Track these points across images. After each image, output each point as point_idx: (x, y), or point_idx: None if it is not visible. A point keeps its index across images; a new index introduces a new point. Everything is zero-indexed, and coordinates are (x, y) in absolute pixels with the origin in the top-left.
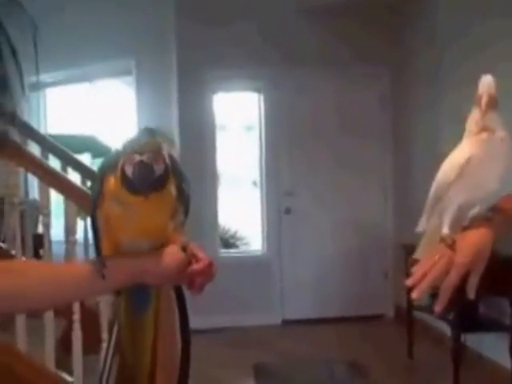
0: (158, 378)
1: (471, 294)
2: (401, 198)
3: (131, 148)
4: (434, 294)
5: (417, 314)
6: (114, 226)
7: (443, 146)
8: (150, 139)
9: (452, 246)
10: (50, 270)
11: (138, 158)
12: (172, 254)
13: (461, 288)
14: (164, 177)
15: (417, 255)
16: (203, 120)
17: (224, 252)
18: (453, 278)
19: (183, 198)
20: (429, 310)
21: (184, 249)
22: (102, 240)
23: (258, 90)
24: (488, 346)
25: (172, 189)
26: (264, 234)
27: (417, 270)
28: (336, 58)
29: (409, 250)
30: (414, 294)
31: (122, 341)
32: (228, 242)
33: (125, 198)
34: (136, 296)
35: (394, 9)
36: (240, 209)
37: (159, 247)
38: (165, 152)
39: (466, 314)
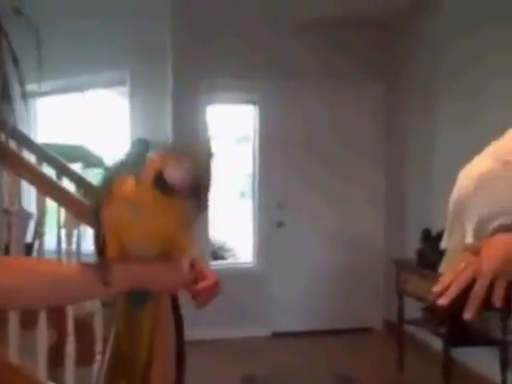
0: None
1: (498, 302)
2: (393, 214)
3: (179, 151)
4: (425, 308)
5: (406, 327)
6: (122, 228)
7: (436, 161)
8: (196, 145)
9: (477, 252)
10: (52, 270)
11: (187, 162)
12: (179, 270)
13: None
14: (202, 185)
15: (441, 269)
16: (197, 131)
17: (214, 264)
18: (481, 286)
19: (202, 209)
20: (419, 323)
21: (192, 265)
22: (106, 240)
23: (253, 102)
24: (478, 360)
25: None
26: (255, 246)
27: (444, 279)
28: (331, 72)
29: (400, 264)
30: (442, 300)
31: (118, 336)
32: (216, 253)
33: (144, 201)
34: (135, 291)
35: (388, 23)
36: (228, 220)
37: (167, 254)
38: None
39: (457, 328)
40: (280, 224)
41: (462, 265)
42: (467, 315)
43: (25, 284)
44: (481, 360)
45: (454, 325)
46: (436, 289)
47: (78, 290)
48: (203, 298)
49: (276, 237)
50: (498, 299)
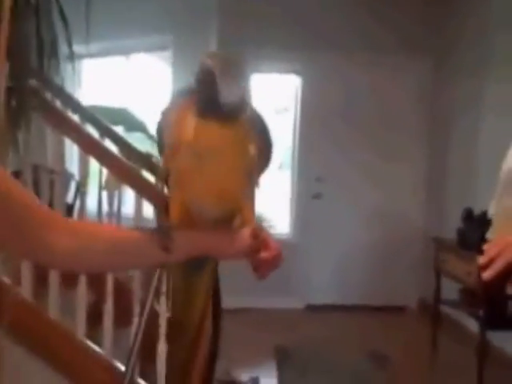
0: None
1: None
2: (434, 191)
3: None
4: (462, 290)
5: (442, 308)
6: (184, 181)
7: (484, 141)
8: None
9: None
10: (115, 235)
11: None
12: (242, 241)
13: (491, 286)
14: (239, 105)
15: (490, 235)
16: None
17: None
18: None
19: (263, 162)
20: (456, 304)
21: (256, 235)
22: (170, 198)
23: (295, 72)
24: None
25: (252, 149)
26: (293, 218)
27: (489, 249)
28: (376, 44)
29: (439, 243)
30: (486, 274)
31: (174, 299)
32: None
33: (205, 141)
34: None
35: None
36: (266, 191)
37: (230, 216)
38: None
39: (495, 312)
40: (318, 196)
41: (510, 238)
42: (485, 275)
43: (89, 247)
44: None
45: (491, 308)
46: (481, 260)
47: (140, 255)
48: (264, 269)
49: (314, 209)
50: None
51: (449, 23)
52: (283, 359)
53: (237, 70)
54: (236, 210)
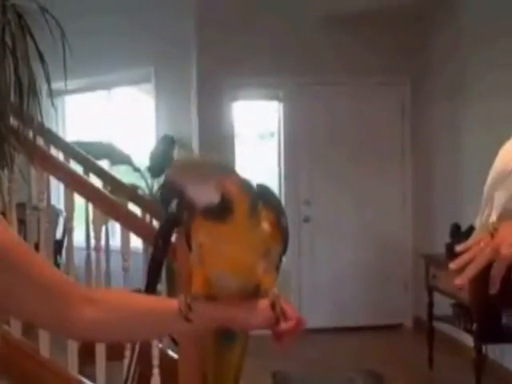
0: None
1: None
2: (421, 209)
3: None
4: (455, 305)
5: (437, 324)
6: (205, 257)
7: (465, 157)
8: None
9: (493, 233)
10: (140, 307)
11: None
12: (261, 311)
13: (485, 299)
14: (217, 211)
15: (476, 223)
16: (222, 128)
17: None
18: (499, 269)
19: (280, 237)
20: (450, 320)
21: (273, 305)
22: (192, 271)
23: (278, 99)
24: (510, 356)
25: (264, 224)
26: None
27: (462, 255)
28: (357, 68)
29: (428, 260)
30: (458, 281)
31: (207, 369)
32: None
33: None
34: (224, 330)
35: (416, 18)
36: None
37: (251, 289)
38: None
39: (489, 325)
40: (307, 219)
41: (482, 245)
42: (492, 291)
43: (113, 320)
44: None
45: (484, 321)
46: (452, 266)
47: (162, 325)
48: (285, 339)
49: (303, 233)
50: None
51: (424, 46)
52: None
53: (201, 171)
54: (255, 283)
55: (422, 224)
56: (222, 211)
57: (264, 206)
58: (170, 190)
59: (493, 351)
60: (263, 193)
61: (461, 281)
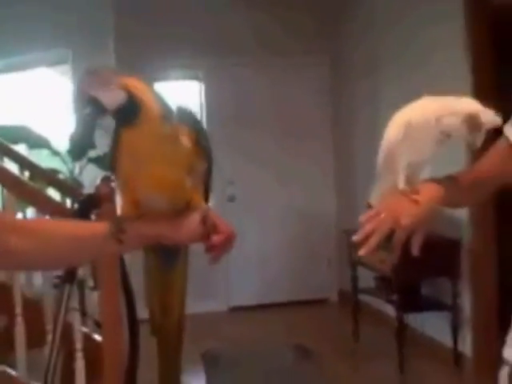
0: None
1: (415, 250)
2: (342, 186)
3: None
4: (377, 278)
5: (361, 297)
6: (129, 182)
7: (383, 133)
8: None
9: (416, 200)
10: (69, 232)
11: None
12: (191, 225)
13: (405, 271)
14: (127, 109)
15: (371, 200)
16: None
17: None
18: (399, 238)
19: (201, 151)
20: (373, 292)
21: (204, 220)
22: (121, 199)
23: (197, 79)
24: (430, 325)
25: (184, 139)
26: None
27: (364, 225)
28: (274, 47)
29: (351, 235)
30: (362, 252)
31: (150, 299)
32: None
33: (142, 148)
34: (164, 252)
35: None
36: None
37: (181, 207)
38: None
39: (409, 295)
40: (232, 198)
41: (383, 215)
42: (394, 260)
43: (46, 248)
44: (433, 324)
45: (405, 292)
46: (355, 238)
47: (94, 248)
48: (216, 252)
49: (228, 212)
50: (415, 248)
51: (341, 25)
52: (210, 364)
53: (105, 76)
54: (184, 200)
55: (345, 200)
56: (130, 109)
57: (183, 123)
58: (82, 99)
59: (414, 320)
60: (181, 110)
61: (364, 251)
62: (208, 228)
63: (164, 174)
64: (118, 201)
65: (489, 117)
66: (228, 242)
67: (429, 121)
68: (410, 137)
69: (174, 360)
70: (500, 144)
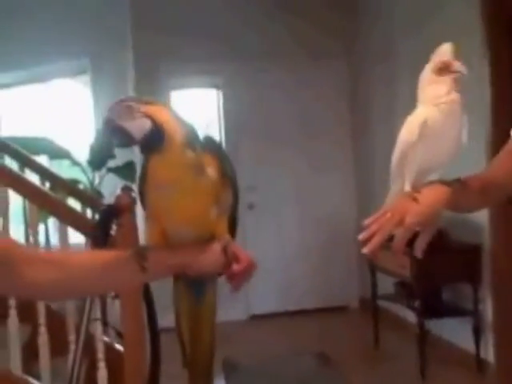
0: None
1: (418, 253)
2: (363, 191)
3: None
4: (398, 283)
5: (381, 303)
6: (157, 211)
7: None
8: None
9: (415, 198)
10: (97, 262)
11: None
12: (213, 254)
13: (426, 276)
14: (152, 137)
15: (386, 204)
16: None
17: None
18: (402, 237)
19: (227, 181)
20: (393, 298)
21: (225, 250)
22: (148, 228)
23: (216, 86)
24: (451, 330)
25: (210, 170)
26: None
27: (370, 225)
28: (294, 53)
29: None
30: (366, 250)
31: (181, 329)
32: None
33: (174, 180)
34: (194, 282)
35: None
36: None
37: (207, 237)
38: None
39: (430, 301)
40: (251, 206)
41: (389, 214)
42: (365, 251)
43: (70, 276)
44: (454, 330)
45: (426, 298)
46: (360, 237)
47: (119, 278)
48: (237, 281)
49: (248, 219)
50: (418, 251)
51: (359, 31)
52: (231, 372)
53: (130, 106)
54: (209, 232)
55: (365, 206)
56: (155, 137)
57: (208, 153)
58: (110, 130)
59: (435, 326)
60: (208, 140)
61: (367, 250)
62: (229, 257)
63: (188, 204)
64: (146, 232)
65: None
66: (248, 270)
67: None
68: (426, 137)
69: None
70: (509, 146)
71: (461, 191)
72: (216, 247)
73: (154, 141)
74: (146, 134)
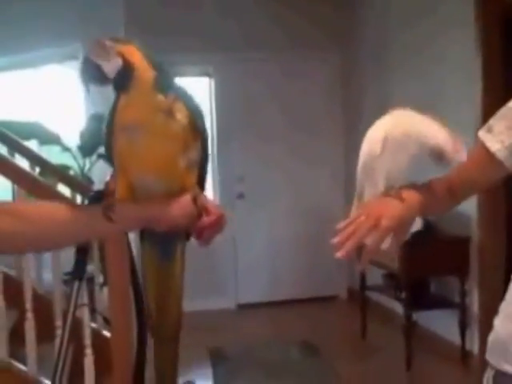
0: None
1: (391, 255)
2: (352, 183)
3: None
4: (386, 275)
5: (369, 294)
6: (124, 163)
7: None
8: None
9: (399, 196)
10: (68, 215)
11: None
12: (182, 205)
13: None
14: (122, 75)
15: (351, 213)
16: None
17: None
18: (377, 241)
19: (198, 134)
20: (381, 289)
21: (195, 200)
22: (116, 181)
23: (207, 75)
24: (438, 322)
25: (180, 116)
26: None
27: (344, 230)
28: (286, 42)
29: None
30: (339, 254)
31: (147, 292)
32: None
33: (138, 121)
34: (161, 244)
35: None
36: None
37: (176, 191)
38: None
39: (418, 293)
40: (241, 196)
41: (362, 218)
42: (358, 268)
43: (47, 231)
44: (441, 322)
45: (413, 290)
46: (334, 241)
47: (90, 230)
48: (206, 234)
49: (237, 209)
50: (391, 254)
51: (352, 23)
52: (217, 360)
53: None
54: (178, 182)
55: (354, 197)
56: (125, 76)
57: (181, 101)
58: (86, 67)
59: (422, 318)
60: (183, 90)
61: (341, 254)
62: (199, 208)
63: (155, 148)
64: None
65: (454, 152)
66: (218, 223)
67: (405, 138)
68: (388, 151)
69: (171, 359)
70: (476, 149)
71: (428, 196)
72: (186, 198)
73: (123, 79)
74: (116, 72)
